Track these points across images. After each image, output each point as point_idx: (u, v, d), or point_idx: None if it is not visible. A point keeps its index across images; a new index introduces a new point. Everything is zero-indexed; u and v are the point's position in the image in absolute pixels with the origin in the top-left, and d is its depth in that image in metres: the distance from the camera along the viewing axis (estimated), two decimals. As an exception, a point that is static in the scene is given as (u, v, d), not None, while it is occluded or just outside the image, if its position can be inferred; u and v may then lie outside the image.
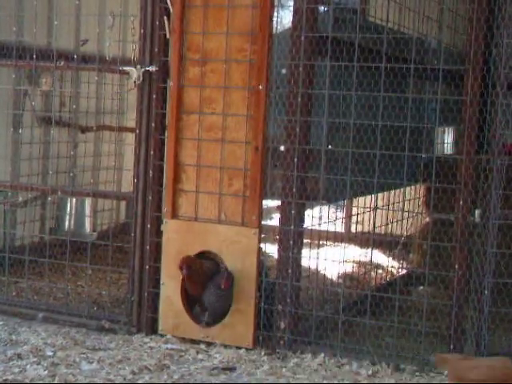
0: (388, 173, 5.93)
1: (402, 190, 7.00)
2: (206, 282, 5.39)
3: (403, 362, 5.13)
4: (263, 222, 5.50)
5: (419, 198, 7.51)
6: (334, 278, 7.10)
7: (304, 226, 5.50)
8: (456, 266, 5.08)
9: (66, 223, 7.81)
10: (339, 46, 5.43)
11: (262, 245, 5.45)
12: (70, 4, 6.88)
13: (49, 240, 6.61)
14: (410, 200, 7.38)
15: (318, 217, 6.28)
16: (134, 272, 5.75)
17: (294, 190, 5.36)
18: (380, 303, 5.54)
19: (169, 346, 5.44)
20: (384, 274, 7.62)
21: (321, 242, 6.57)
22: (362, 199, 6.85)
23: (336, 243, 7.08)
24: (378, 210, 6.11)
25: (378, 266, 7.64)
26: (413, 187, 7.38)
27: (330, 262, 6.25)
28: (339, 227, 7.14)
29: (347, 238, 7.57)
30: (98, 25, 6.05)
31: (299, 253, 5.44)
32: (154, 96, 5.63)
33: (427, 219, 7.52)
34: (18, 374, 4.80)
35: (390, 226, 7.30)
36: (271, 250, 5.91)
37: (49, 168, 7.63)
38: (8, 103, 7.26)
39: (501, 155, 5.05)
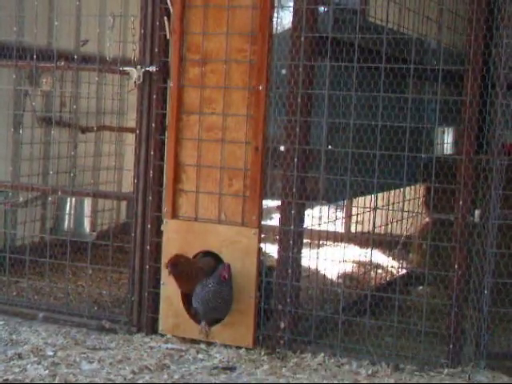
0: (388, 173, 5.94)
1: (401, 190, 7.00)
2: (198, 280, 5.33)
3: (403, 362, 5.13)
4: (263, 222, 5.51)
5: (419, 198, 7.51)
6: (334, 278, 7.10)
7: (304, 226, 5.51)
8: (456, 266, 5.08)
9: (66, 223, 7.82)
10: (339, 47, 5.44)
11: (262, 245, 5.46)
12: (71, 4, 6.87)
13: (49, 240, 6.61)
14: (409, 200, 7.38)
15: (318, 217, 6.29)
16: (135, 272, 5.76)
17: (294, 190, 5.36)
18: (380, 303, 5.55)
19: (169, 345, 5.45)
20: (384, 274, 7.62)
21: (321, 242, 6.58)
22: (361, 199, 6.85)
23: (336, 243, 7.09)
24: (378, 210, 6.10)
25: (377, 266, 7.63)
26: (413, 187, 7.38)
27: (330, 261, 6.26)
28: (339, 227, 7.15)
29: (347, 238, 7.58)
30: (99, 25, 6.07)
31: (299, 253, 5.44)
32: (155, 96, 5.63)
33: (427, 219, 7.51)
34: (18, 374, 4.80)
35: (389, 226, 7.30)
36: (271, 249, 5.92)
37: (49, 168, 7.63)
38: (8, 103, 7.26)
39: (500, 155, 5.05)
